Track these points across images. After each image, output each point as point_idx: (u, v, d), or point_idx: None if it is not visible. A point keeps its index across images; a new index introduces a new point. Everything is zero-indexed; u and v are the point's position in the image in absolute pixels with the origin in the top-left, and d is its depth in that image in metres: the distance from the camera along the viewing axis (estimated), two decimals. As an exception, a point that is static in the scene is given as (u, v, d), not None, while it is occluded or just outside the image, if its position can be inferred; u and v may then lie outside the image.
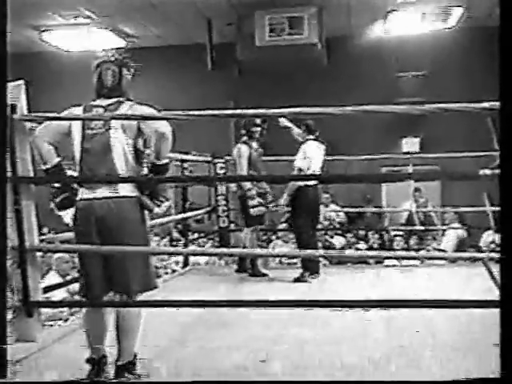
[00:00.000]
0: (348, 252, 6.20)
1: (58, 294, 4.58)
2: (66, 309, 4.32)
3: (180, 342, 2.87)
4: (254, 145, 5.54)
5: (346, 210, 8.49)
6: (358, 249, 7.35)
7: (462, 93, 5.86)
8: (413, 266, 5.91)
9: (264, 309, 3.64)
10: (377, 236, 7.74)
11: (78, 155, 2.67)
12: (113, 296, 2.66)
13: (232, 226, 6.36)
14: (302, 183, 5.22)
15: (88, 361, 2.68)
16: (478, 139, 6.55)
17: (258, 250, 4.84)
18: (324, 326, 3.57)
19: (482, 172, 2.58)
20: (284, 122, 5.49)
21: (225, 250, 5.76)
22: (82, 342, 3.30)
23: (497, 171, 2.57)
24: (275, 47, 7.91)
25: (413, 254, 6.13)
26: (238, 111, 3.01)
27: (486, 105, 2.64)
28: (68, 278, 5.05)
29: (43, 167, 2.76)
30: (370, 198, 9.36)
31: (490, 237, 7.12)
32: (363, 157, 7.07)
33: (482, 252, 6.45)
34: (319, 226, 6.09)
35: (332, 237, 7.71)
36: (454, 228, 7.74)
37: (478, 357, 2.86)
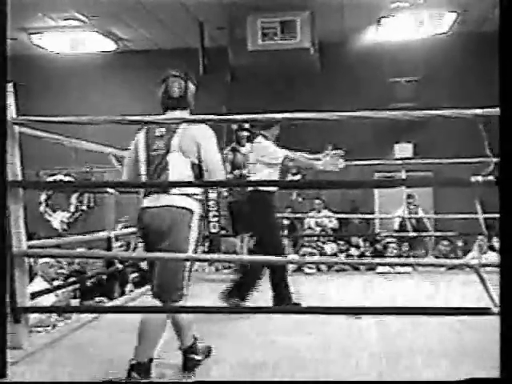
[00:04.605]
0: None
1: (45, 300, 4.51)
2: (53, 315, 4.26)
3: (169, 348, 2.83)
4: (243, 149, 5.54)
5: (337, 216, 8.42)
6: (349, 255, 7.34)
7: (456, 98, 5.86)
8: (405, 273, 5.91)
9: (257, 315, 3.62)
10: (368, 243, 7.71)
11: (143, 177, 2.78)
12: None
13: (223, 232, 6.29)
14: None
15: (138, 365, 2.58)
16: (470, 145, 6.53)
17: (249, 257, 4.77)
18: (316, 333, 3.54)
19: (473, 179, 2.57)
20: None
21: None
22: (69, 349, 3.28)
23: (489, 178, 2.56)
24: (268, 52, 7.86)
25: (405, 260, 6.10)
26: (231, 116, 2.99)
27: (478, 111, 2.64)
28: (55, 283, 4.98)
29: None
30: (357, 205, 9.20)
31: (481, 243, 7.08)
32: (356, 162, 7.03)
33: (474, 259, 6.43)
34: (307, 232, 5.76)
35: (324, 243, 7.69)
36: None
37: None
